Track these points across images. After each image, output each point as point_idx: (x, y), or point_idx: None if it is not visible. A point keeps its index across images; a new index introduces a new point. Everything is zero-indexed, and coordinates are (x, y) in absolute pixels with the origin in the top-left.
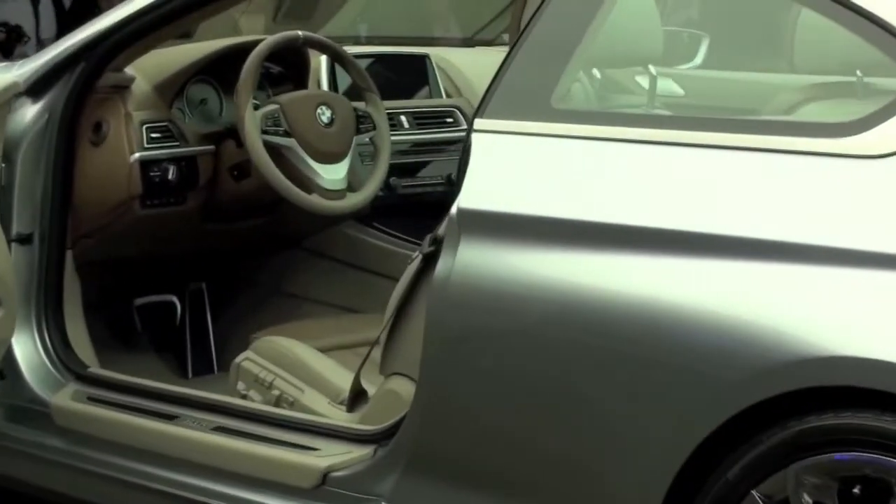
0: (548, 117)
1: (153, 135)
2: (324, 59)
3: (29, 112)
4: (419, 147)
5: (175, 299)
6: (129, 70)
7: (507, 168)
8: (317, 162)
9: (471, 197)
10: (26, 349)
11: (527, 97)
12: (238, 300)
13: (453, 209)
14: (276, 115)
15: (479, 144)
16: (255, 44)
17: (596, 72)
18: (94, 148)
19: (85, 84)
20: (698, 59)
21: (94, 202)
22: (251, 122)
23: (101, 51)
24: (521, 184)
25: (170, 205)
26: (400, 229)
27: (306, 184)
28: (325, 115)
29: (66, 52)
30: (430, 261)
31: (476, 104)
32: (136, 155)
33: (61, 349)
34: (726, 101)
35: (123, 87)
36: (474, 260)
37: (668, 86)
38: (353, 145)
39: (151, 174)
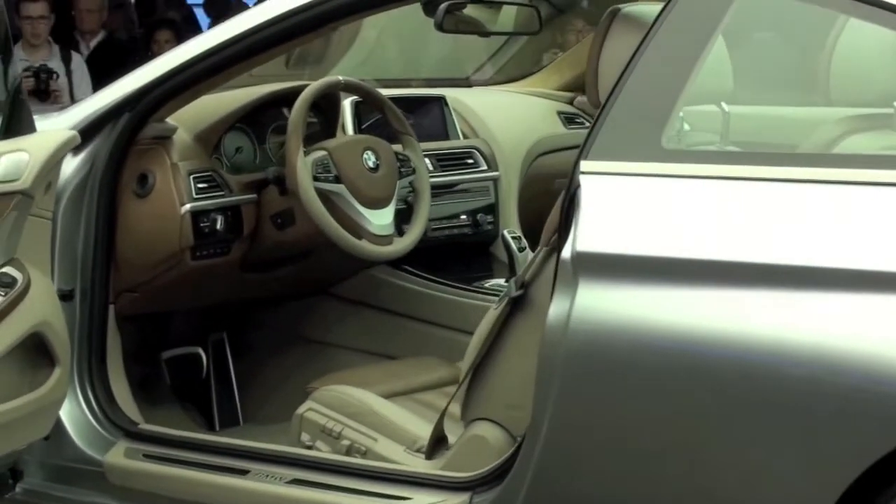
0: (660, 157)
1: (200, 185)
2: (347, 102)
3: (70, 164)
4: (443, 189)
5: (201, 351)
6: (170, 120)
7: (622, 210)
8: (365, 207)
9: (587, 240)
10: (70, 407)
11: (636, 137)
12: (261, 349)
13: (566, 253)
14: (326, 162)
15: (589, 187)
16: (292, 90)
17: (705, 109)
18: (139, 200)
19: (130, 135)
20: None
21: (141, 255)
22: (303, 170)
23: (147, 101)
24: (639, 225)
25: (217, 255)
26: (429, 271)
27: (356, 230)
28: (370, 159)
29: (111, 102)
30: (516, 304)
31: (491, 144)
32: (187, 206)
33: (108, 406)
34: (827, 136)
35: (166, 138)
36: (596, 303)
37: (762, 122)
38: (396, 189)
39: (201, 225)
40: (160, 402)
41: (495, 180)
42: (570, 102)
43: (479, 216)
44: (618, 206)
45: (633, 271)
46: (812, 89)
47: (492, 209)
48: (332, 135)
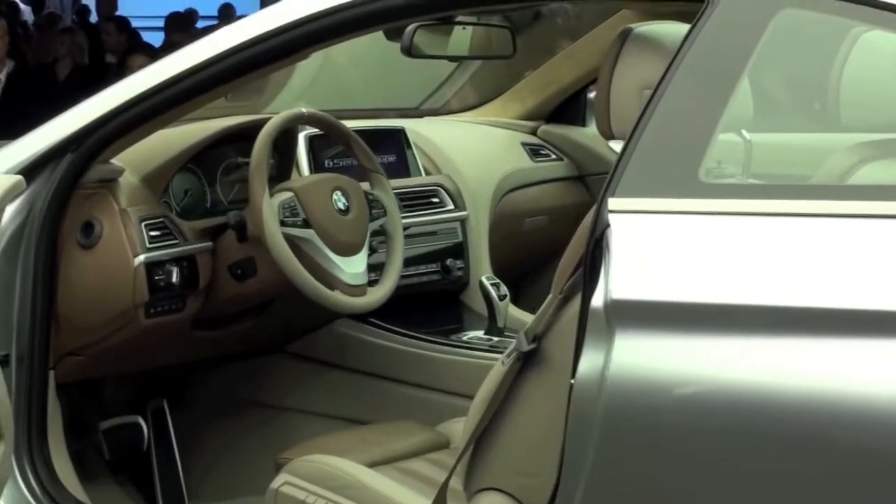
0: (698, 193)
1: (152, 233)
2: (301, 136)
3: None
4: (407, 231)
5: (141, 421)
6: (116, 161)
7: (660, 251)
8: (336, 254)
9: (623, 286)
10: (10, 488)
11: (670, 171)
12: (208, 416)
13: (596, 301)
14: (293, 204)
15: (620, 227)
16: (246, 126)
17: (742, 139)
18: (84, 251)
19: (73, 178)
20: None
21: (87, 314)
22: (270, 213)
23: (92, 141)
24: (681, 268)
25: (171, 312)
26: (395, 323)
27: (327, 279)
28: (340, 201)
29: (52, 141)
30: (527, 360)
31: (456, 180)
32: (141, 257)
33: (51, 486)
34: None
35: (111, 181)
36: (637, 356)
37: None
38: (368, 234)
39: (156, 278)
40: (96, 478)
41: (463, 221)
42: (534, 133)
43: (448, 261)
44: (655, 248)
45: (677, 319)
46: (859, 114)
47: (460, 253)
48: (287, 174)
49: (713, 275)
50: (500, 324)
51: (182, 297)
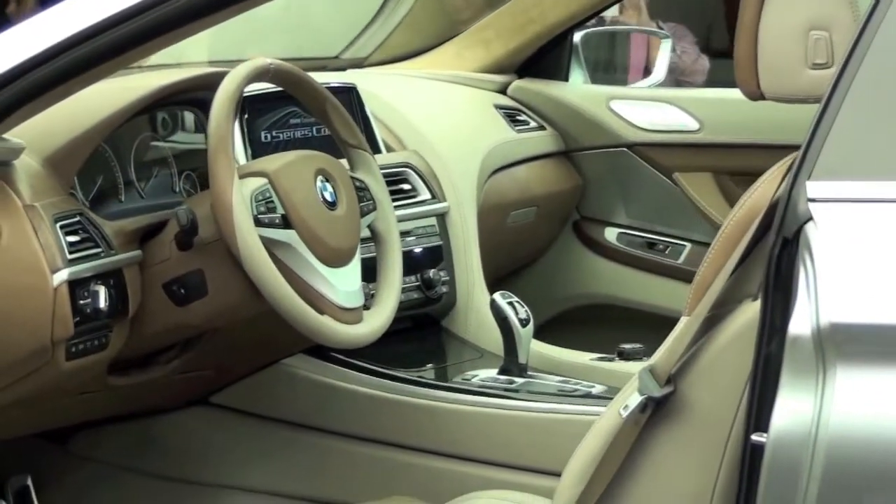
0: None
1: (70, 238)
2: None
3: None
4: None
5: None
6: (10, 135)
7: (892, 254)
8: (324, 265)
9: (845, 305)
10: None
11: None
12: (93, 496)
13: (801, 327)
14: (268, 195)
15: (828, 221)
16: (184, 87)
17: None
18: None
19: None
20: None
21: None
22: (243, 209)
23: None
24: None
25: (94, 350)
26: (367, 358)
27: (314, 301)
28: (326, 190)
29: None
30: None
31: (429, 158)
32: (64, 273)
33: None
34: None
35: (4, 164)
36: (870, 397)
37: None
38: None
39: (81, 302)
40: None
41: (443, 215)
42: (503, 91)
43: (430, 273)
44: (884, 249)
45: None
46: None
47: (442, 259)
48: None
49: None
50: (523, 359)
51: (107, 329)
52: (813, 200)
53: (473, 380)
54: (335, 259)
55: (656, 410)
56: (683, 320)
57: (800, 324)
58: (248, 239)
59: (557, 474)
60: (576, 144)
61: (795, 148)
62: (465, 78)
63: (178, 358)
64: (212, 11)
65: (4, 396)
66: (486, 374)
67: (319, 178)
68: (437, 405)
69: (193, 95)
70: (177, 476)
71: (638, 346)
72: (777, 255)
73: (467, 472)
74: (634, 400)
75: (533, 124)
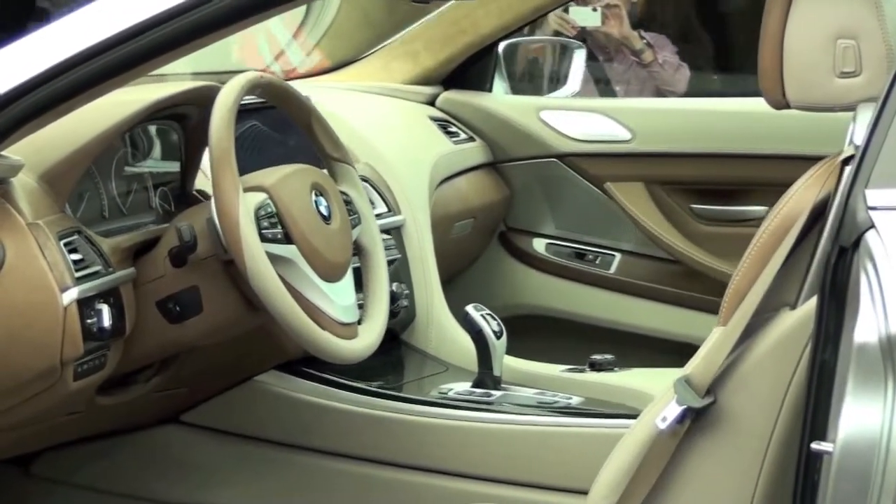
0: None
1: (73, 256)
2: None
3: None
4: None
5: None
6: (9, 153)
7: None
8: (323, 280)
9: None
10: None
11: None
12: None
13: (867, 335)
14: (270, 210)
15: (890, 228)
16: (172, 101)
17: None
18: None
19: None
20: None
21: None
22: (249, 225)
23: None
24: None
25: (96, 370)
26: (336, 373)
27: (315, 316)
28: (322, 204)
29: None
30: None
31: (381, 170)
32: (73, 292)
33: None
34: None
35: (2, 182)
36: None
37: None
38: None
39: (88, 322)
40: None
41: (399, 228)
42: (431, 103)
43: (393, 287)
44: None
45: None
46: None
47: (398, 273)
48: (189, 167)
49: None
50: (497, 372)
51: (106, 349)
52: (873, 209)
53: (450, 393)
54: (332, 274)
55: (695, 421)
56: (717, 330)
57: (865, 332)
58: (256, 254)
59: (541, 487)
60: (504, 155)
61: (728, 156)
62: (393, 90)
63: (157, 376)
64: (216, 28)
65: (6, 419)
66: (462, 387)
67: (314, 191)
68: (416, 420)
69: (174, 110)
70: (146, 496)
71: (609, 356)
72: (834, 263)
73: (449, 486)
74: (673, 411)
75: (463, 136)
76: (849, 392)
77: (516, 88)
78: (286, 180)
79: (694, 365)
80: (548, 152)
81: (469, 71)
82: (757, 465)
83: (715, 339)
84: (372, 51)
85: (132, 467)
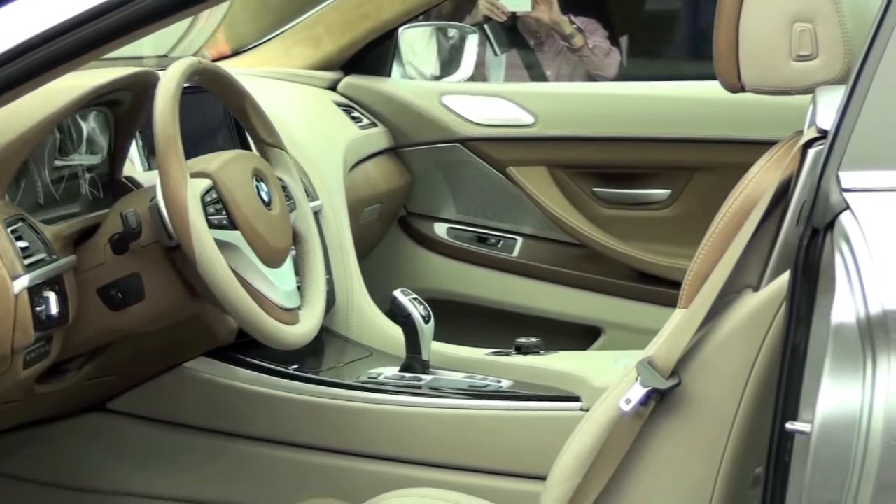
0: None
1: (20, 244)
2: None
3: None
4: None
5: None
6: None
7: None
8: (265, 265)
9: (892, 293)
10: None
11: None
12: None
13: (844, 315)
14: (214, 196)
15: (866, 211)
16: (112, 87)
17: None
18: None
19: None
20: None
21: None
22: (197, 210)
23: None
24: None
25: (41, 358)
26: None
27: (259, 301)
28: (263, 190)
29: None
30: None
31: (296, 154)
32: (24, 279)
33: None
34: None
35: None
36: None
37: None
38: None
39: (37, 310)
40: None
41: (317, 213)
42: (333, 88)
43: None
44: None
45: None
46: None
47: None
48: (117, 154)
49: None
50: (426, 356)
51: (50, 337)
52: (847, 190)
53: (380, 378)
54: (274, 259)
55: (659, 403)
56: (679, 312)
57: (842, 313)
58: (204, 241)
59: (474, 470)
60: (406, 140)
61: (632, 140)
62: (294, 75)
63: (88, 363)
64: (175, 11)
65: None
66: (390, 371)
67: (255, 177)
68: (348, 405)
69: (108, 97)
70: (73, 484)
71: (534, 339)
72: (806, 244)
73: (383, 471)
74: (637, 393)
75: (366, 121)
76: (826, 373)
77: (412, 74)
78: (228, 165)
79: (657, 347)
80: (450, 137)
81: (368, 56)
82: (721, 445)
83: (678, 321)
84: (272, 35)
85: (57, 456)
